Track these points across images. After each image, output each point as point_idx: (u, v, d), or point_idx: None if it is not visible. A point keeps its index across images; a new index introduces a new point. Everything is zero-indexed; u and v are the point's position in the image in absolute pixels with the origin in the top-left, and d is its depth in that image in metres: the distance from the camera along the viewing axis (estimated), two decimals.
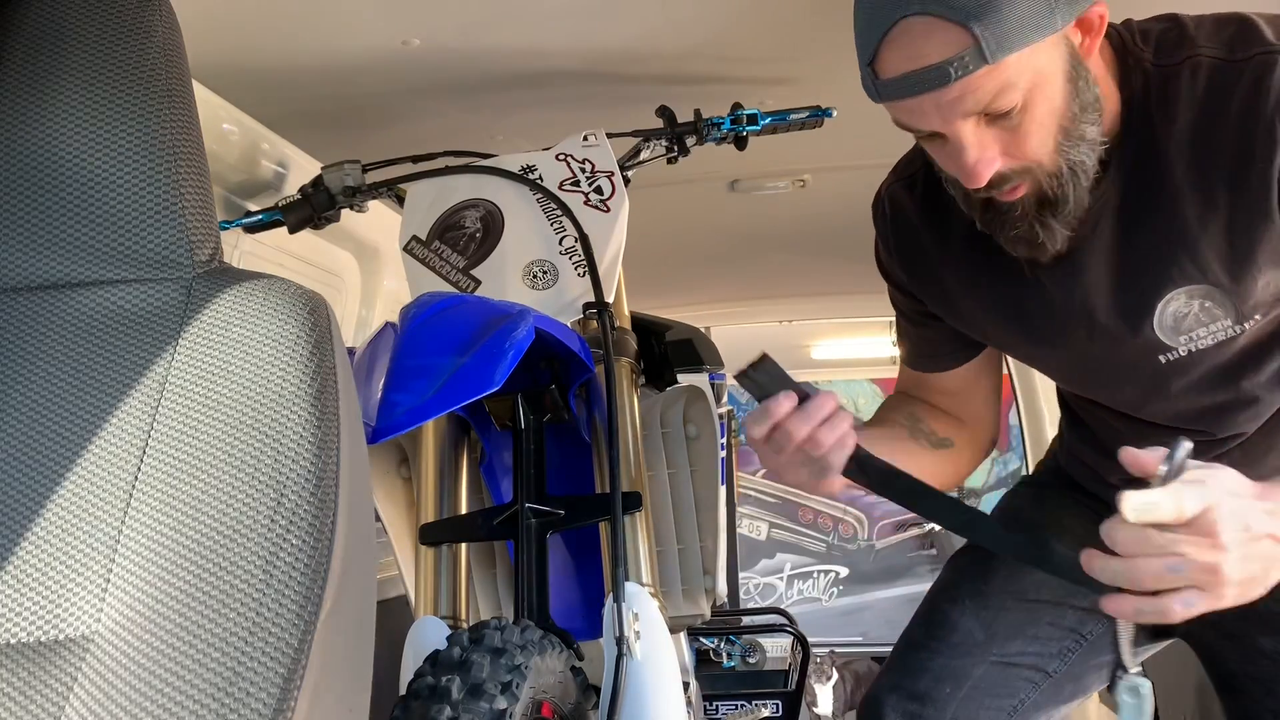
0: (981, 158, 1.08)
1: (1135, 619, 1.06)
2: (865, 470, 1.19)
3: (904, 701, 1.41)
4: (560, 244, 1.44)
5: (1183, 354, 1.21)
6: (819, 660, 3.58)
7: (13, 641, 0.64)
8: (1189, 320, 1.18)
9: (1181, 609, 0.96)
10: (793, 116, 1.61)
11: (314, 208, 1.60)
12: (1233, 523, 0.95)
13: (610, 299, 1.38)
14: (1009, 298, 1.28)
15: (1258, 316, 1.16)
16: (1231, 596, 0.97)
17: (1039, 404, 3.24)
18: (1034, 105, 1.07)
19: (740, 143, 1.63)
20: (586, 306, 1.37)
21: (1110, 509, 0.97)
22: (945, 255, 1.31)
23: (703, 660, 3.47)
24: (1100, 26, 1.08)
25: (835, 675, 3.89)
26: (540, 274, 1.42)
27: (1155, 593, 0.97)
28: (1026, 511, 1.52)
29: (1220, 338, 1.19)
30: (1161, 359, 1.22)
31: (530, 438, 1.35)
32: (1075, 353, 1.29)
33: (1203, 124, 1.10)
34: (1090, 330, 1.24)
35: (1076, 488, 1.47)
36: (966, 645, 1.41)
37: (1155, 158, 1.13)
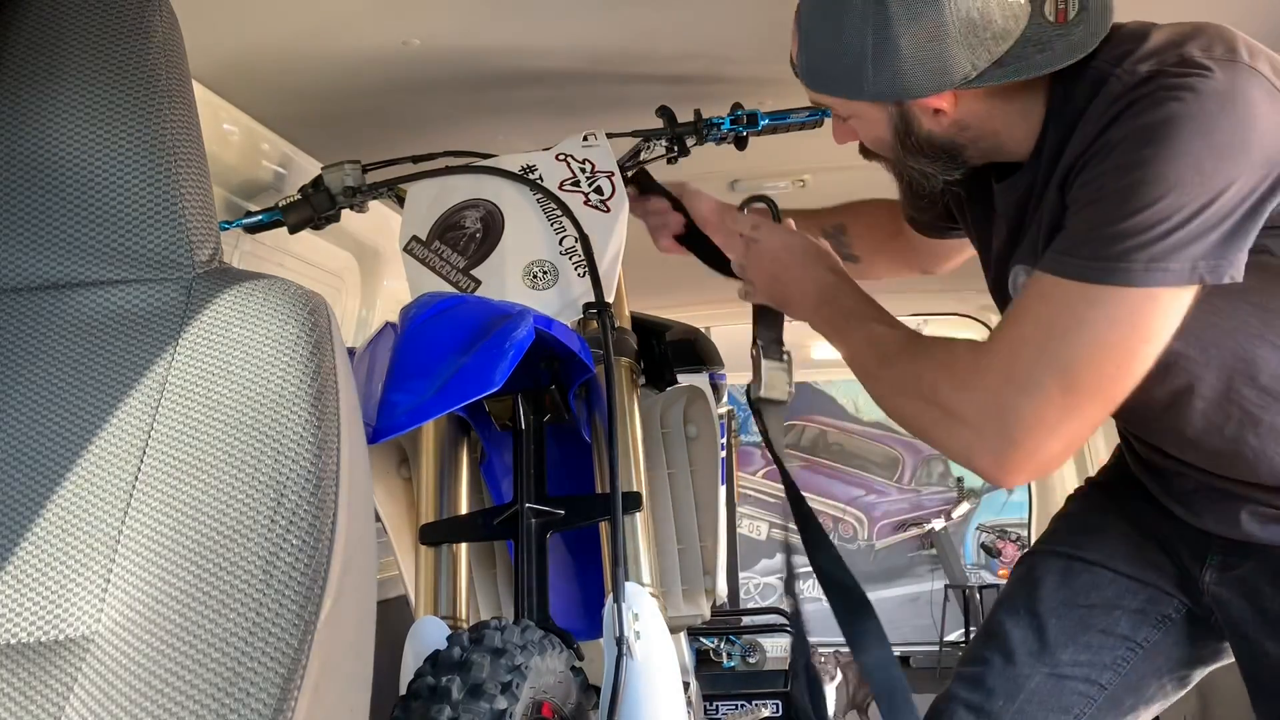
0: (835, 131, 1.34)
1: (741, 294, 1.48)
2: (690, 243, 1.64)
3: (963, 713, 1.43)
4: (560, 244, 1.44)
5: None
6: (823, 660, 3.58)
7: (13, 641, 0.64)
8: None
9: (740, 292, 1.47)
10: (793, 116, 1.61)
11: (314, 208, 1.60)
12: (767, 258, 1.42)
13: (610, 299, 1.38)
14: (977, 239, 1.44)
15: None
16: (759, 298, 1.46)
17: None
18: (861, 128, 1.28)
19: (740, 143, 1.63)
20: (587, 306, 1.37)
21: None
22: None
23: (703, 660, 3.47)
24: (947, 112, 1.20)
25: (839, 675, 3.89)
26: (540, 274, 1.42)
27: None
28: (1093, 503, 1.54)
29: None
30: None
31: (530, 438, 1.35)
32: (994, 299, 1.44)
33: (1069, 127, 1.16)
34: (991, 282, 1.40)
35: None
36: (1020, 656, 1.42)
37: (1041, 153, 1.21)
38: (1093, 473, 1.60)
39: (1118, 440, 1.51)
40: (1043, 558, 1.49)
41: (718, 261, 1.61)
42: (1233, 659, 1.39)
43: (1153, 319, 1.08)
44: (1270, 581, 1.28)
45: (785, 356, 1.48)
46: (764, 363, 1.48)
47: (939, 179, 1.29)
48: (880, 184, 1.71)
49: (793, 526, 1.41)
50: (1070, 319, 1.09)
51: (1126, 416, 1.37)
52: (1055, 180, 1.18)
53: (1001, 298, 1.37)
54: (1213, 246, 1.04)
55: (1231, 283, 1.06)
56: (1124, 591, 1.41)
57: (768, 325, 1.49)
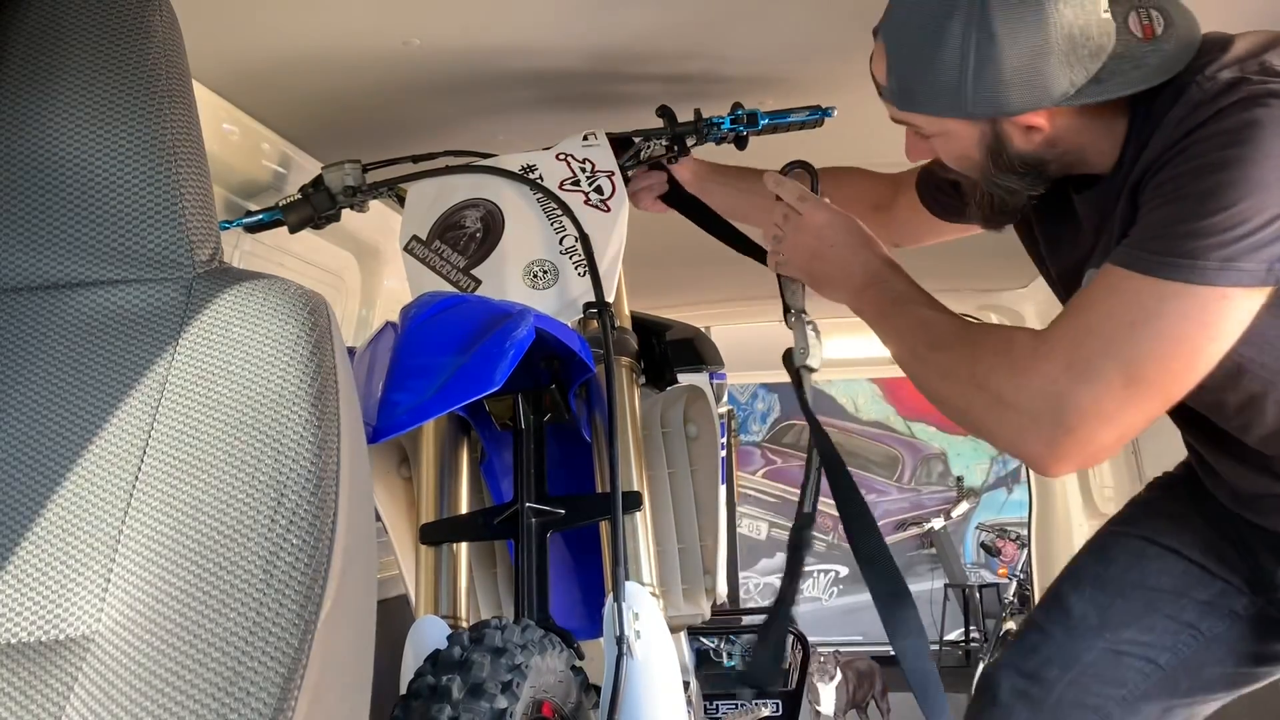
0: (910, 149, 1.33)
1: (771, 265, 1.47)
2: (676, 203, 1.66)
3: (1015, 679, 1.44)
4: (560, 244, 1.44)
5: None
6: (823, 660, 3.59)
7: (13, 641, 0.64)
8: None
9: (771, 263, 1.46)
10: (792, 116, 1.61)
11: (314, 208, 1.60)
12: (813, 232, 1.39)
13: (610, 299, 1.38)
14: (1048, 239, 1.42)
15: None
16: (804, 279, 1.44)
17: None
18: (946, 147, 1.27)
19: (740, 143, 1.63)
20: (587, 306, 1.37)
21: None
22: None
23: (703, 660, 3.48)
24: (1043, 129, 1.20)
25: (839, 674, 3.90)
26: (540, 274, 1.42)
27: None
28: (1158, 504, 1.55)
29: None
30: None
31: (530, 437, 1.35)
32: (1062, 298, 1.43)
33: (1144, 138, 1.18)
34: (1062, 284, 1.40)
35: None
36: (1080, 629, 1.43)
37: (1128, 157, 1.21)
38: (1147, 482, 1.60)
39: (1181, 448, 1.51)
40: (1116, 538, 1.50)
41: (709, 221, 1.62)
42: None
43: (1223, 318, 1.08)
44: None
45: (816, 326, 1.48)
46: (806, 329, 1.47)
47: (1025, 195, 1.28)
48: None
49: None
50: (1139, 312, 1.09)
51: (1194, 425, 1.38)
52: (1130, 185, 1.18)
53: (1065, 294, 1.38)
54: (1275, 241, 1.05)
55: None
56: (1195, 581, 1.41)
57: (794, 295, 1.50)
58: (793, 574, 1.42)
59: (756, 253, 1.56)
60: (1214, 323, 1.08)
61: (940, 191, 1.59)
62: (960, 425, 1.26)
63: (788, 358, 1.48)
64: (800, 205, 1.41)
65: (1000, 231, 1.44)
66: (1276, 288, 1.07)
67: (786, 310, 1.49)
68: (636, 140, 1.62)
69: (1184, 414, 1.39)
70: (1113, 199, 1.22)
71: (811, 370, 1.48)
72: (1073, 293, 1.31)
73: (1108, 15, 1.13)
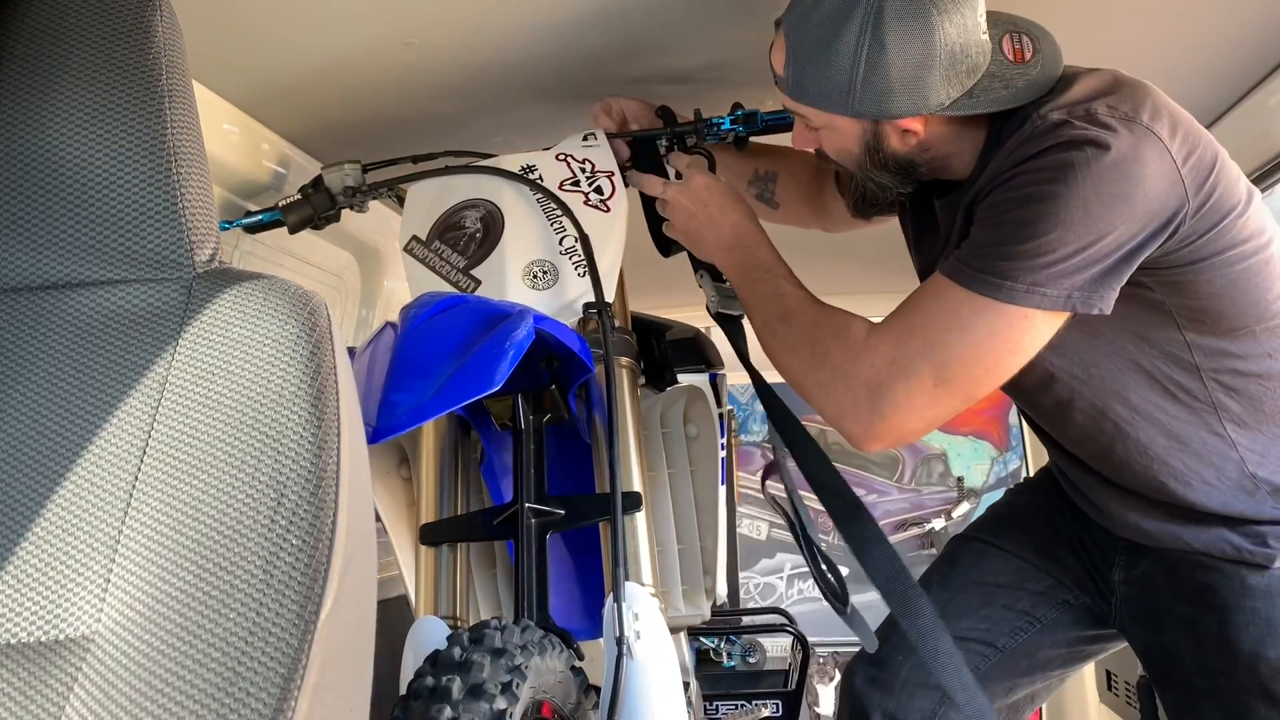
0: (796, 137, 1.42)
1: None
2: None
3: (866, 666, 1.62)
4: (560, 244, 1.44)
5: None
6: (822, 661, 3.58)
7: (13, 641, 0.64)
8: None
9: (666, 226, 1.52)
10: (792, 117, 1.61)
11: (314, 208, 1.60)
12: (685, 203, 1.48)
13: (610, 299, 1.38)
14: (912, 242, 1.56)
15: None
16: (676, 236, 1.51)
17: None
18: (829, 138, 1.36)
19: (740, 142, 1.63)
20: (586, 306, 1.37)
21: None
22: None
23: (703, 660, 3.48)
24: (918, 134, 1.30)
25: (838, 676, 3.89)
26: (540, 274, 1.42)
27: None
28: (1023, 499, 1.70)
29: None
30: None
31: (530, 438, 1.35)
32: None
33: (987, 160, 1.30)
34: (921, 278, 1.50)
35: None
36: None
37: (976, 178, 1.33)
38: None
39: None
40: (964, 542, 1.69)
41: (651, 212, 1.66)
42: (1121, 647, 1.61)
43: (1024, 335, 1.21)
44: (1164, 577, 1.41)
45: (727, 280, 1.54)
46: (712, 284, 1.55)
47: (894, 191, 1.39)
48: None
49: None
50: (954, 321, 1.23)
51: (1037, 429, 1.53)
52: (967, 201, 1.30)
53: None
54: (1087, 281, 1.18)
55: (1099, 314, 1.20)
56: (1029, 576, 1.58)
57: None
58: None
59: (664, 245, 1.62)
60: (1016, 338, 1.21)
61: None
62: (798, 394, 1.37)
63: (708, 308, 1.57)
64: (686, 170, 1.51)
65: (868, 221, 1.59)
66: (1073, 314, 1.20)
67: (695, 269, 1.57)
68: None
69: (1029, 419, 1.55)
70: (959, 209, 1.33)
71: (734, 316, 1.55)
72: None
73: (985, 37, 1.25)
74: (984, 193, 1.26)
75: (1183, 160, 1.20)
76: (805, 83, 1.29)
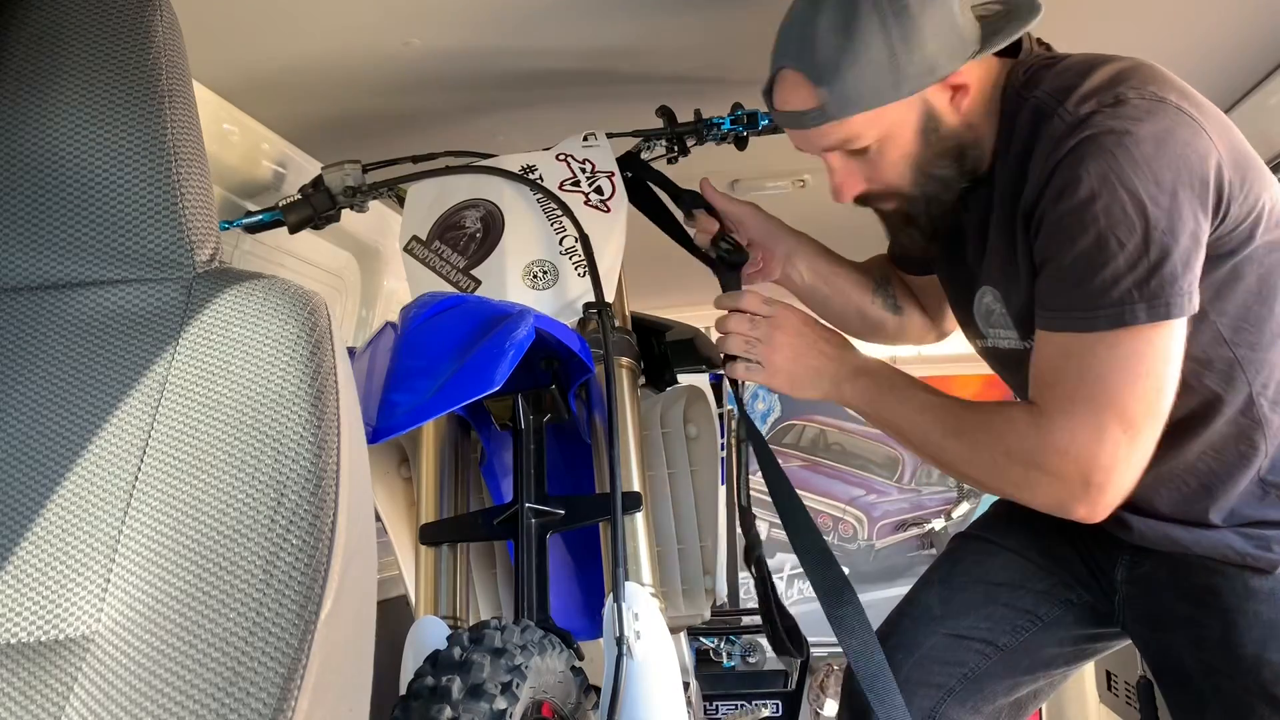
0: (844, 183, 1.33)
1: (732, 374, 1.44)
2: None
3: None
4: (560, 244, 1.44)
5: (989, 345, 1.43)
6: (824, 675, 3.57)
7: (13, 641, 0.64)
8: (994, 318, 1.39)
9: (743, 370, 1.42)
10: None
11: (314, 208, 1.60)
12: (792, 330, 1.40)
13: (610, 299, 1.38)
14: (942, 260, 1.51)
15: (1034, 339, 1.30)
16: (781, 383, 1.42)
17: None
18: (886, 150, 1.29)
19: (740, 143, 1.63)
20: (586, 306, 1.37)
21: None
22: None
23: (703, 660, 3.47)
24: (970, 88, 1.27)
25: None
26: (540, 274, 1.42)
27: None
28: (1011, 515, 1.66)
29: (1012, 345, 1.37)
30: (978, 343, 1.46)
31: (530, 438, 1.35)
32: (958, 316, 1.54)
33: (1020, 159, 1.25)
34: (957, 299, 1.49)
35: None
36: (924, 619, 1.57)
37: (994, 177, 1.31)
38: None
39: None
40: (966, 540, 1.67)
41: (667, 225, 1.64)
42: (1123, 645, 1.58)
43: (1170, 344, 1.18)
44: (1167, 578, 1.40)
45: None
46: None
47: (957, 187, 1.33)
48: None
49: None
50: (1100, 366, 1.19)
51: None
52: (1014, 213, 1.27)
53: (963, 314, 1.49)
54: (1182, 271, 1.15)
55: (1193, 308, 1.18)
56: (1031, 575, 1.56)
57: (735, 284, 1.53)
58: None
59: (706, 257, 1.58)
60: (1165, 350, 1.18)
61: (907, 242, 1.66)
62: (1004, 497, 1.34)
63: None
64: (769, 309, 1.43)
65: (931, 250, 1.50)
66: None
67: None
68: (637, 140, 1.62)
69: None
70: (989, 211, 1.31)
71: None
72: (966, 305, 1.45)
73: None
74: (1035, 214, 1.22)
75: (1217, 137, 1.18)
76: (847, 90, 1.23)
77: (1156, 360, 1.18)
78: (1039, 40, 1.35)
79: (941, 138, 1.29)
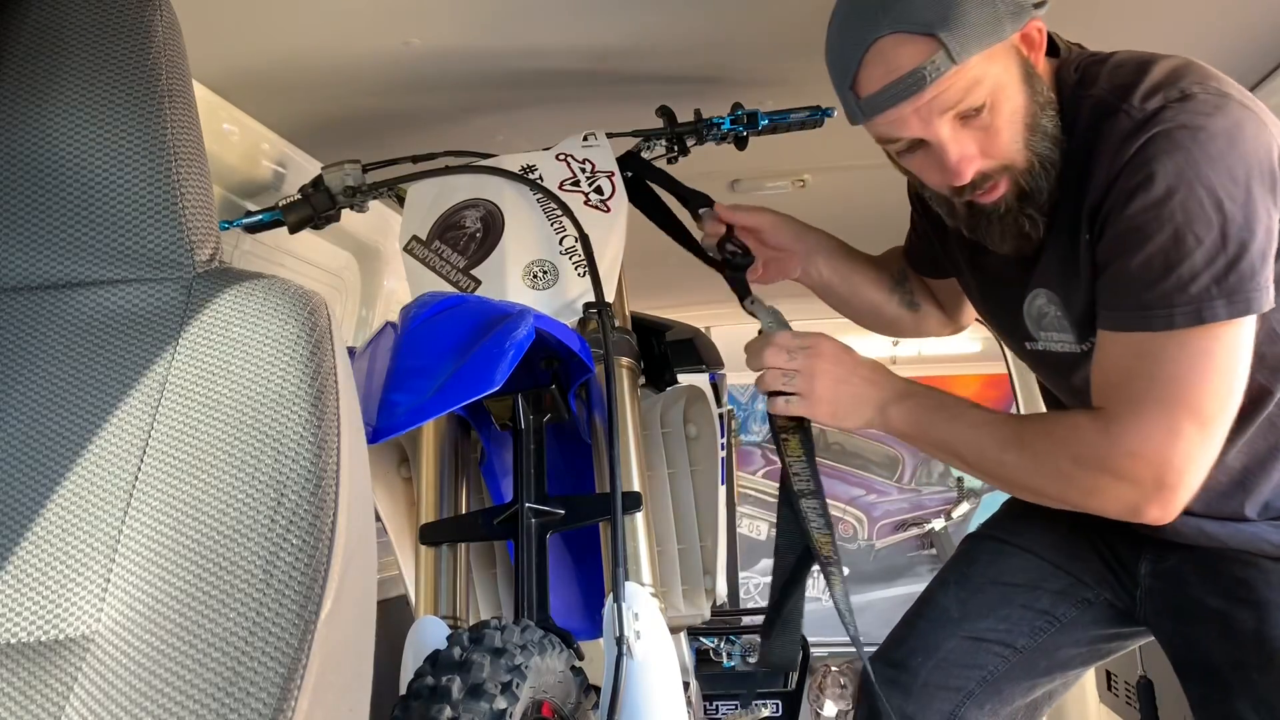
0: (963, 155, 1.23)
1: (772, 410, 1.39)
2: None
3: (884, 668, 1.58)
4: (560, 244, 1.44)
5: (1040, 349, 1.40)
6: (843, 685, 3.57)
7: (13, 641, 0.64)
8: (1048, 321, 1.36)
9: (783, 404, 1.37)
10: (793, 116, 1.61)
11: (314, 208, 1.60)
12: (830, 358, 1.36)
13: (610, 299, 1.38)
14: (975, 269, 1.48)
15: (1092, 341, 1.28)
16: (824, 414, 1.37)
17: (1037, 404, 3.24)
18: (1000, 105, 1.22)
19: (740, 143, 1.63)
20: (586, 306, 1.37)
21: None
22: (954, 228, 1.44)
23: (703, 660, 3.48)
24: (1040, 41, 1.24)
25: (849, 686, 3.87)
26: (540, 274, 1.42)
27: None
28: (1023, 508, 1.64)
29: (1067, 348, 1.35)
30: (1028, 344, 1.42)
31: (530, 438, 1.35)
32: (997, 322, 1.52)
33: (1080, 157, 1.23)
34: (998, 304, 1.46)
35: None
36: (941, 621, 1.57)
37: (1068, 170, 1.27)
38: None
39: None
40: (980, 540, 1.66)
41: (668, 226, 1.63)
42: (1141, 644, 1.59)
43: (1242, 340, 1.17)
44: (1196, 571, 1.39)
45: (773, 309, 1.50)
46: (765, 308, 1.49)
47: (1061, 146, 1.26)
48: (881, 185, 1.71)
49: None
50: (1174, 365, 1.17)
51: None
52: (1075, 213, 1.24)
53: (1006, 317, 1.44)
54: (1258, 267, 1.14)
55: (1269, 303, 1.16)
56: (1047, 575, 1.55)
57: (741, 286, 1.52)
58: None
59: (710, 259, 1.58)
60: (1237, 347, 1.17)
61: (913, 253, 1.69)
62: (1074, 508, 1.31)
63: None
64: (803, 340, 1.39)
65: (932, 262, 1.51)
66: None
67: (742, 298, 1.51)
68: (637, 140, 1.62)
69: None
70: (1066, 212, 1.28)
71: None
72: (1005, 304, 1.42)
73: None
74: (1104, 213, 1.20)
75: (1277, 130, 1.17)
76: (964, 30, 1.16)
77: (1230, 356, 1.17)
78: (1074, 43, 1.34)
79: (1042, 86, 1.25)
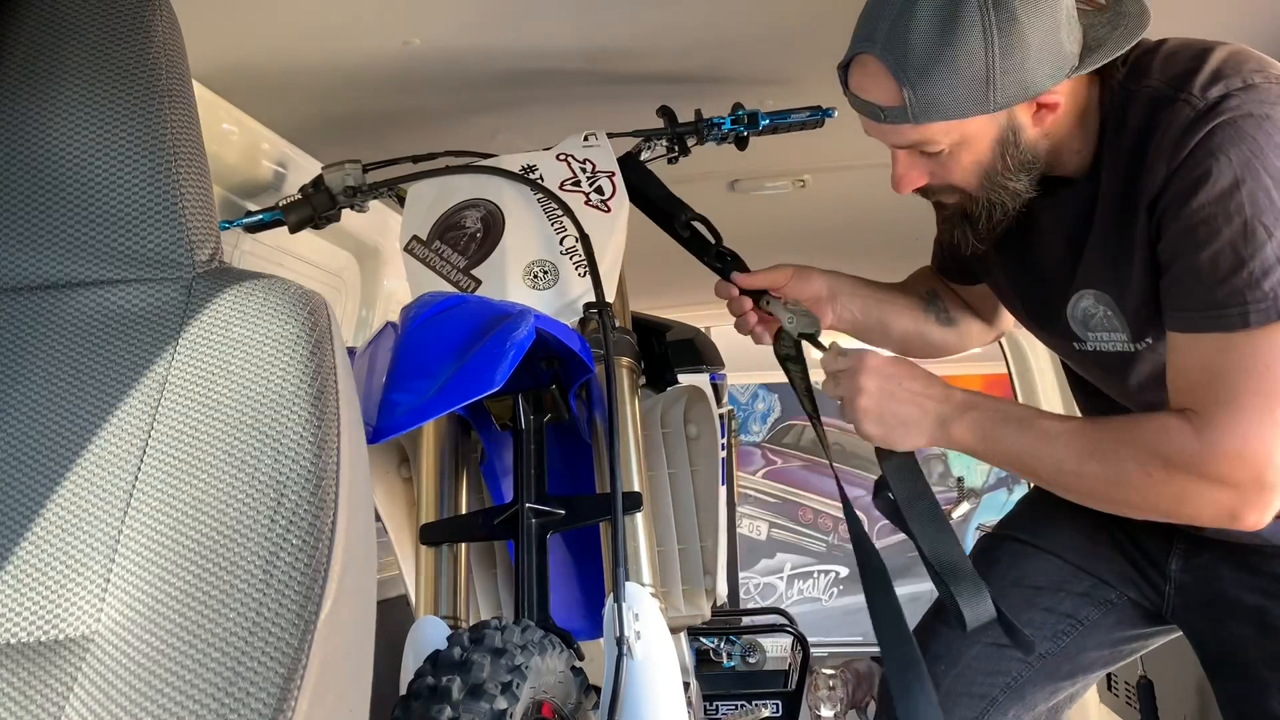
0: (905, 176, 1.27)
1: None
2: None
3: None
4: (561, 244, 1.44)
5: (1090, 349, 1.35)
6: (832, 686, 3.57)
7: (13, 641, 0.64)
8: (1097, 321, 1.32)
9: (836, 410, 1.33)
10: (793, 116, 1.61)
11: (314, 208, 1.60)
12: (873, 374, 1.29)
13: (611, 299, 1.38)
14: (1007, 268, 1.44)
15: (1149, 340, 1.26)
16: (875, 436, 1.31)
17: (1038, 403, 3.25)
18: (958, 154, 1.23)
19: (740, 143, 1.63)
20: (587, 306, 1.37)
21: None
22: None
23: (703, 660, 3.48)
24: (1054, 108, 1.20)
25: (841, 690, 3.88)
26: (541, 274, 1.42)
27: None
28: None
29: (1119, 347, 1.31)
30: (1075, 345, 1.37)
31: (530, 438, 1.35)
32: (1035, 323, 1.48)
33: (1133, 152, 1.19)
34: (1036, 305, 1.43)
35: None
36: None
37: (1099, 171, 1.25)
38: None
39: None
40: (999, 541, 1.62)
41: (669, 226, 1.59)
42: (1164, 641, 1.56)
43: None
44: (1230, 568, 1.37)
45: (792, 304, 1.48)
46: (780, 306, 1.48)
47: (1023, 198, 1.27)
48: (881, 185, 1.71)
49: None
50: (1264, 360, 1.12)
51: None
52: (1126, 210, 1.20)
53: (1048, 320, 1.41)
54: None
55: None
56: (1070, 577, 1.52)
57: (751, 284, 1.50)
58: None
59: (710, 257, 1.54)
60: None
61: (943, 261, 1.65)
62: (1162, 518, 1.26)
63: (783, 341, 1.48)
64: (845, 360, 1.33)
65: (980, 249, 1.45)
66: None
67: (756, 300, 1.49)
68: (637, 140, 1.62)
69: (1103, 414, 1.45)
70: (1089, 208, 1.26)
71: (813, 337, 1.47)
72: (1047, 306, 1.38)
73: None
74: (1166, 203, 1.15)
75: None
76: (934, 97, 1.15)
77: None
78: None
79: (1019, 152, 1.22)
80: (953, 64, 1.13)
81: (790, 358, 1.48)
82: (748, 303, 1.51)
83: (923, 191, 1.30)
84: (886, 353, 1.39)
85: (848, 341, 1.48)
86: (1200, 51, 1.18)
